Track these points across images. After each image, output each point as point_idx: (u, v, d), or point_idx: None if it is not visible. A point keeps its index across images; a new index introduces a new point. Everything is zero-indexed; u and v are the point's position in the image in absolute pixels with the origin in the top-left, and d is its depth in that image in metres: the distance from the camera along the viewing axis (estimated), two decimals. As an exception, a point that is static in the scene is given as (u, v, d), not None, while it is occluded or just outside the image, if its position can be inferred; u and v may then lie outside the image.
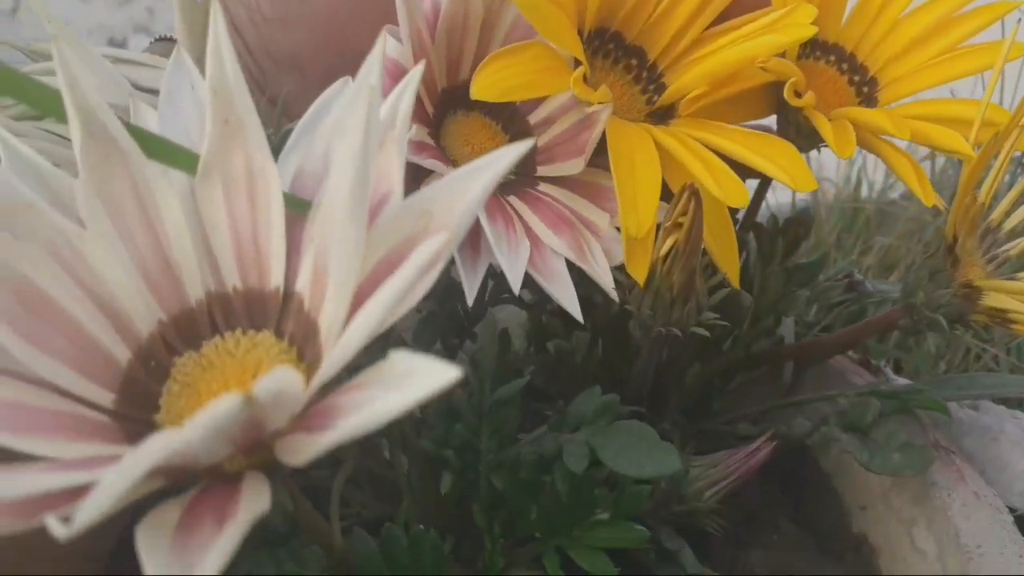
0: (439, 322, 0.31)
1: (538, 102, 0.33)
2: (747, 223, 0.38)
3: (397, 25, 0.28)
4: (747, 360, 0.37)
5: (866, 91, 0.36)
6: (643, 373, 0.34)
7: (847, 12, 0.36)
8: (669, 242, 0.28)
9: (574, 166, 0.32)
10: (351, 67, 0.32)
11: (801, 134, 0.34)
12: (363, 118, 0.17)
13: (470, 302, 0.28)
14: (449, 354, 0.31)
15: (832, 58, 0.36)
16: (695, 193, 0.27)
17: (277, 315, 0.20)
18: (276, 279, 0.19)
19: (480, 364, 0.29)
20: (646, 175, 0.28)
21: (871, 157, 0.67)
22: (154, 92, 0.27)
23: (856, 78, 0.36)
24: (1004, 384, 0.36)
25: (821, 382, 0.41)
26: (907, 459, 0.31)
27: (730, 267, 0.31)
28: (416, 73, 0.20)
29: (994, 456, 0.37)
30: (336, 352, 0.15)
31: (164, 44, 0.31)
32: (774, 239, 0.36)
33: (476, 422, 0.29)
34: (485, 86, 0.26)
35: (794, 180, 0.29)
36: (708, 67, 0.31)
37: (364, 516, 0.30)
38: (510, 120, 0.34)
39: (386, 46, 0.30)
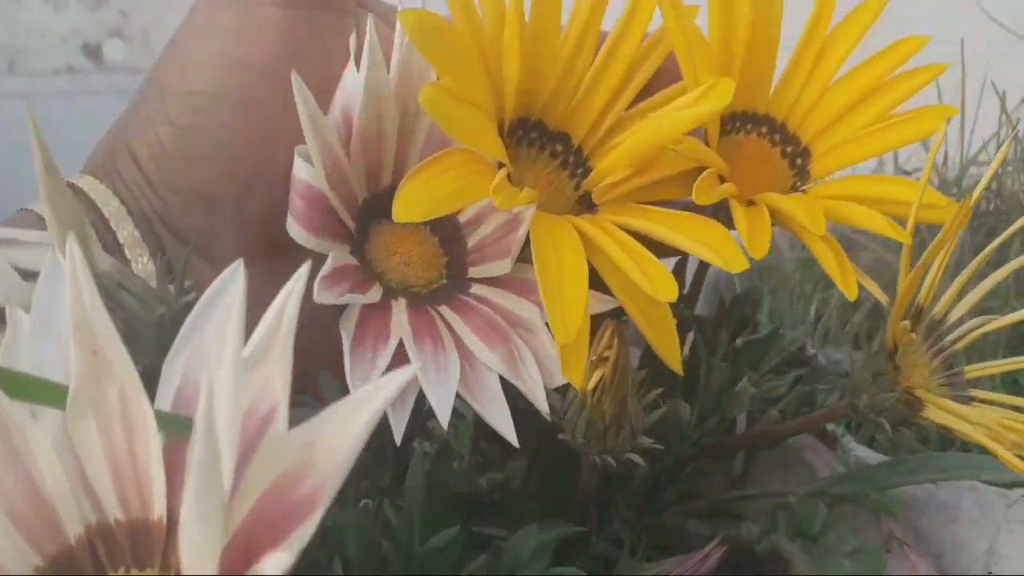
0: (364, 463, 0.30)
1: (466, 201, 0.32)
2: (691, 302, 0.37)
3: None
4: (695, 454, 0.36)
5: (799, 163, 0.35)
6: (586, 489, 0.33)
7: (776, 80, 0.35)
8: (596, 376, 0.27)
9: (503, 267, 0.31)
10: (263, 198, 0.30)
11: (723, 219, 0.33)
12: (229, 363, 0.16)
13: (398, 440, 0.27)
14: (380, 496, 0.30)
15: (764, 129, 0.35)
16: (617, 328, 0.26)
17: (163, 546, 0.18)
18: (159, 509, 0.19)
19: (408, 509, 0.27)
20: (573, 275, 0.27)
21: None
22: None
23: (789, 149, 0.35)
24: (958, 467, 0.35)
25: (775, 461, 0.40)
26: (858, 566, 0.30)
27: (671, 357, 0.30)
28: (303, 273, 0.19)
29: (952, 537, 0.36)
30: None
31: (26, 215, 0.29)
32: (718, 328, 0.35)
33: (407, 571, 0.27)
34: (407, 207, 0.25)
35: (725, 260, 0.28)
36: (626, 149, 0.30)
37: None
38: (438, 223, 0.33)
39: (297, 169, 0.28)
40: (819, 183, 0.34)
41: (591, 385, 0.27)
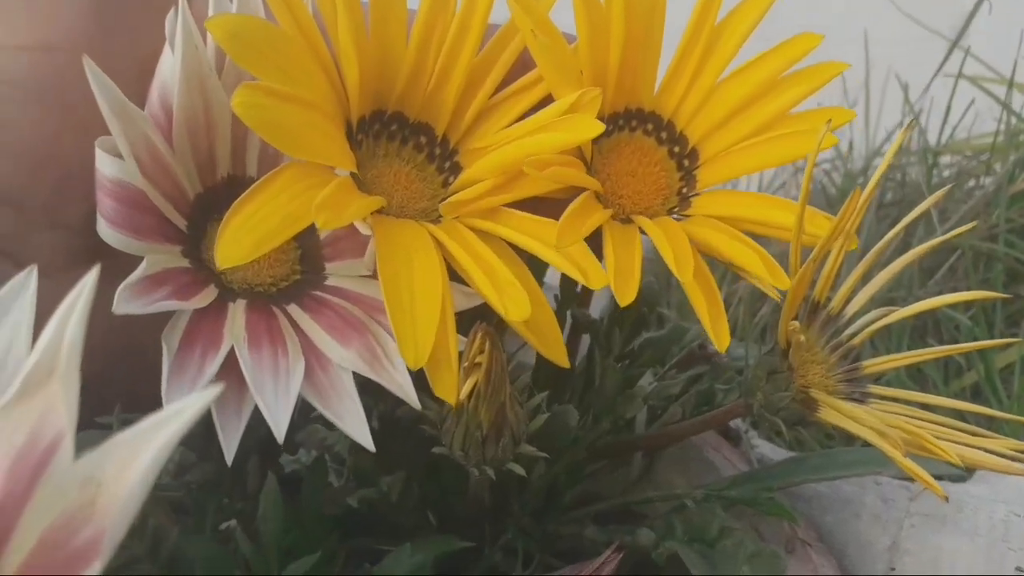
0: (223, 480, 0.27)
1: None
2: (585, 302, 0.35)
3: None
4: (593, 455, 0.34)
5: (687, 165, 0.32)
6: (477, 497, 0.31)
7: (661, 76, 0.33)
8: (470, 383, 0.25)
9: (359, 267, 0.28)
10: (71, 197, 0.27)
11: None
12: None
13: (228, 459, 0.24)
14: (227, 518, 0.27)
15: (649, 127, 0.33)
16: (488, 333, 0.24)
17: None
18: None
19: (263, 537, 0.25)
20: (424, 293, 0.24)
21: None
22: None
23: (676, 149, 0.32)
24: (862, 461, 0.34)
25: (677, 458, 0.38)
26: (756, 570, 0.29)
27: (555, 354, 0.27)
28: (88, 282, 0.16)
29: (855, 533, 0.35)
30: None
31: None
32: (610, 331, 0.33)
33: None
34: (228, 253, 0.22)
35: (585, 275, 0.26)
36: (488, 165, 0.28)
37: None
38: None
39: (101, 165, 0.25)
40: (704, 192, 0.32)
41: (464, 394, 0.25)
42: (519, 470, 0.27)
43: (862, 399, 0.29)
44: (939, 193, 0.29)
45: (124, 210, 0.24)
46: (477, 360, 0.24)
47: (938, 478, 0.38)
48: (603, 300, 0.37)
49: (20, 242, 0.26)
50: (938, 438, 0.25)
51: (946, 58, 0.51)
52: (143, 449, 0.14)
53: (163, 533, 0.24)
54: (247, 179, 0.28)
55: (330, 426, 0.35)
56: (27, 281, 0.17)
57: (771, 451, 0.39)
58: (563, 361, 0.27)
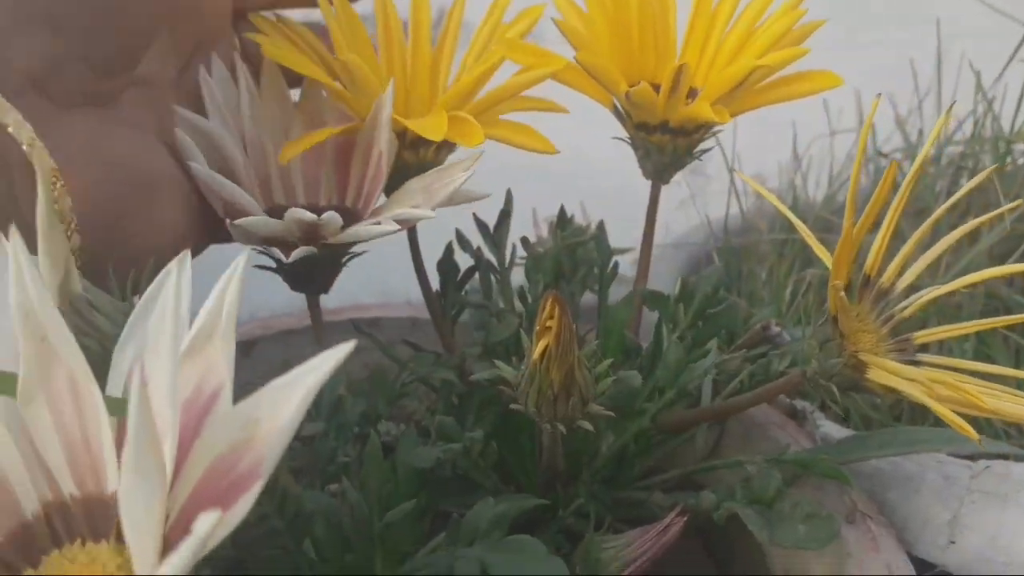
0: (327, 441, 0.31)
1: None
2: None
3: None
4: (659, 425, 0.36)
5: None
6: (551, 458, 0.33)
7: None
8: (541, 345, 0.28)
9: None
10: (108, 29, 0.27)
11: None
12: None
13: None
14: (338, 472, 0.31)
15: None
16: (558, 300, 0.27)
17: (116, 519, 0.19)
18: (112, 484, 0.19)
19: (367, 486, 0.28)
20: None
21: (814, 164, 0.67)
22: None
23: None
24: (926, 440, 0.35)
25: (744, 436, 0.40)
26: (811, 531, 0.31)
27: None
28: (242, 261, 0.20)
29: (917, 508, 0.36)
30: None
31: None
32: (676, 308, 0.36)
33: (368, 548, 0.28)
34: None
35: (532, 144, 0.34)
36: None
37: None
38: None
39: None
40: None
41: (536, 355, 0.28)
42: (587, 426, 0.29)
43: (914, 366, 0.30)
44: (984, 174, 0.31)
45: None
46: (548, 324, 0.27)
47: (1003, 457, 0.39)
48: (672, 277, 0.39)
49: (50, 71, 0.26)
50: (987, 396, 0.26)
51: (1020, 44, 0.51)
52: (292, 395, 0.17)
53: (288, 491, 0.28)
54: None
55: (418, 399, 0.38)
56: (182, 263, 0.21)
57: (836, 431, 0.41)
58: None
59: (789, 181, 0.63)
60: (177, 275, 0.20)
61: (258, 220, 0.30)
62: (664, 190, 0.39)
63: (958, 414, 0.27)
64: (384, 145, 0.34)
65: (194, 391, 0.19)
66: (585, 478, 0.36)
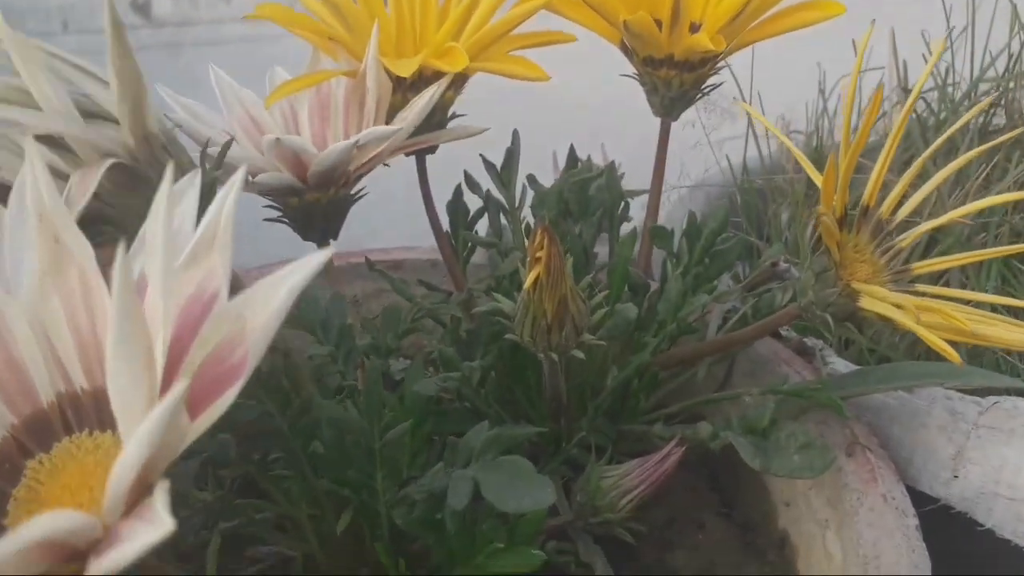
0: (335, 366, 0.32)
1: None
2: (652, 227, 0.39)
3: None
4: (664, 360, 0.37)
5: None
6: (554, 390, 0.34)
7: None
8: (532, 275, 0.28)
9: None
10: None
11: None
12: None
13: None
14: (343, 394, 0.32)
15: None
16: (547, 230, 0.27)
17: None
18: None
19: (368, 406, 0.29)
20: None
21: (841, 105, 0.65)
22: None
23: None
24: (927, 374, 0.35)
25: (751, 372, 0.40)
26: (806, 460, 0.31)
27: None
28: (239, 176, 0.21)
29: (922, 443, 0.37)
30: (112, 482, 0.16)
31: None
32: (681, 243, 0.36)
33: (369, 463, 0.29)
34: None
35: (527, 73, 0.35)
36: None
37: (281, 555, 0.32)
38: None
39: None
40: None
41: (528, 284, 0.28)
42: (580, 355, 0.30)
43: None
44: (980, 105, 0.30)
45: None
46: (538, 255, 0.28)
47: (1006, 393, 0.39)
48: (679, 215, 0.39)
49: None
50: (972, 322, 0.26)
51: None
52: (277, 292, 0.18)
53: (295, 392, 0.29)
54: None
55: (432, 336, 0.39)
56: (193, 180, 0.22)
57: (844, 368, 0.41)
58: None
59: (816, 123, 0.62)
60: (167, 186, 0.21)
61: (234, 153, 0.30)
62: (680, 131, 0.39)
63: (950, 343, 0.27)
64: (372, 84, 0.34)
65: (195, 292, 0.20)
66: (590, 412, 0.37)
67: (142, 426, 0.15)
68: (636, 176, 0.45)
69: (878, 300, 0.28)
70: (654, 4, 0.37)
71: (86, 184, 0.25)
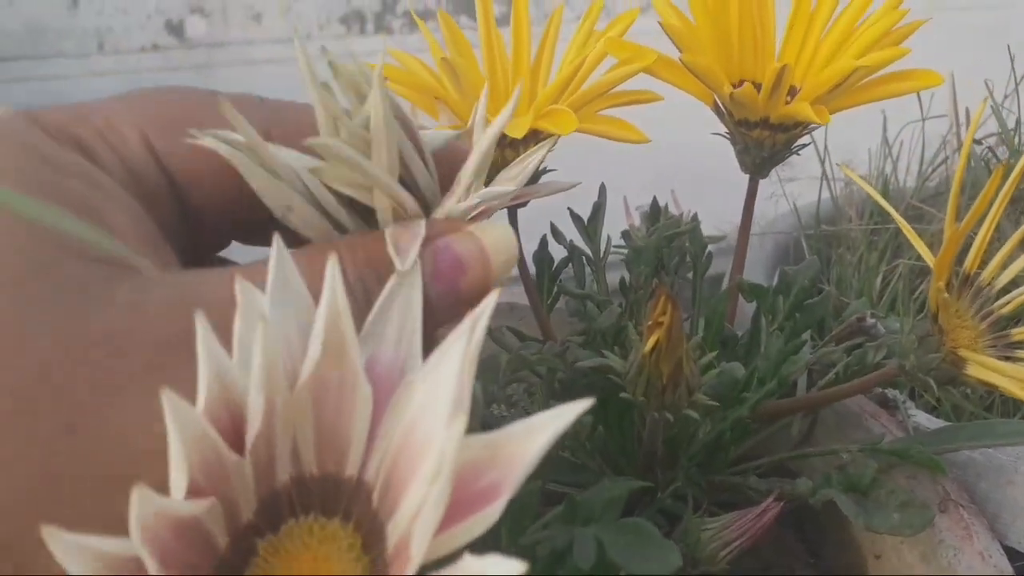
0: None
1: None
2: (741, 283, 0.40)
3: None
4: (756, 415, 0.38)
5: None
6: (652, 443, 0.35)
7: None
8: (652, 339, 0.29)
9: None
10: None
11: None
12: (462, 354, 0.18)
13: None
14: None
15: None
16: (670, 297, 0.28)
17: (348, 500, 0.21)
18: (351, 469, 0.21)
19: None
20: None
21: (904, 149, 0.66)
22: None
23: None
24: (1018, 432, 0.36)
25: (837, 425, 0.41)
26: (906, 519, 0.32)
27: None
28: (493, 297, 0.21)
29: (1010, 500, 0.37)
30: None
31: None
32: (775, 299, 0.37)
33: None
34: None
35: (627, 136, 0.37)
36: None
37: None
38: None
39: None
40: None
41: (648, 348, 0.30)
42: (694, 415, 0.31)
43: (1010, 362, 0.31)
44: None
45: None
46: (660, 320, 0.29)
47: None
48: (766, 268, 0.40)
49: None
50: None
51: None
52: (534, 442, 0.18)
53: None
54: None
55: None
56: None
57: (927, 420, 0.41)
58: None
59: (879, 168, 0.63)
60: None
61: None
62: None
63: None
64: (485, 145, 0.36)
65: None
66: (683, 462, 0.38)
67: (470, 563, 0.16)
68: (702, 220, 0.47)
69: (987, 369, 0.29)
70: (748, 68, 0.39)
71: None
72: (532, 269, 0.44)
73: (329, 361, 0.21)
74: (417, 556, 0.17)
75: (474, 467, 0.18)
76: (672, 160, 0.71)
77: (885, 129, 0.64)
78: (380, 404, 0.21)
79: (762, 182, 0.41)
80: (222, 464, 0.19)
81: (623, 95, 0.40)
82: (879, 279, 0.52)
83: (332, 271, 0.21)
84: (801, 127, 0.39)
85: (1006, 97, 0.62)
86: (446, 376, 0.19)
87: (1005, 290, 0.33)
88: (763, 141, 0.39)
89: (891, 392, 0.43)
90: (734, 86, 0.36)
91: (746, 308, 0.41)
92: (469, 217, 0.36)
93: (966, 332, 0.32)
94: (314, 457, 0.21)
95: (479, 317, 0.20)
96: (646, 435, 0.35)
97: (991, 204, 0.29)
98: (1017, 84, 0.61)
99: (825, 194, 0.63)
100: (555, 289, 0.44)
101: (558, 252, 0.45)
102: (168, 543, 0.17)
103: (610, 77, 0.38)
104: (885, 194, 0.61)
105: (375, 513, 0.20)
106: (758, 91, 0.36)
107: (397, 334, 0.22)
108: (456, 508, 0.17)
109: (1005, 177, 0.30)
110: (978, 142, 0.58)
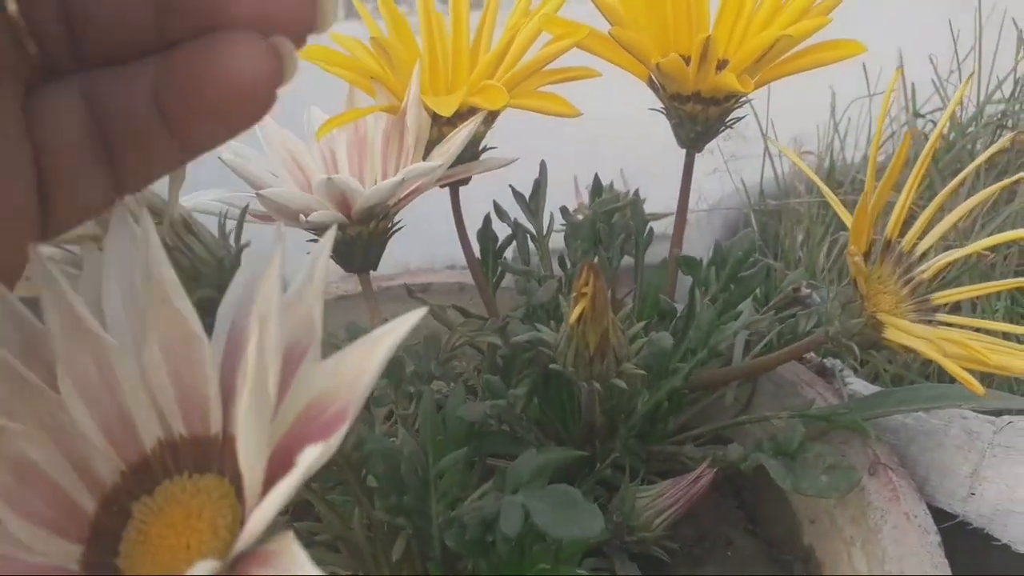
0: (388, 398, 0.34)
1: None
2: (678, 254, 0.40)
3: None
4: (693, 385, 0.39)
5: None
6: (589, 415, 0.36)
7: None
8: (578, 309, 0.30)
9: None
10: None
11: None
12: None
13: None
14: (392, 420, 0.34)
15: None
16: (593, 268, 0.29)
17: (219, 456, 0.21)
18: (215, 426, 0.21)
19: (423, 436, 0.31)
20: None
21: (852, 126, 0.67)
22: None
23: None
24: (945, 396, 0.37)
25: (774, 394, 0.42)
26: (833, 481, 0.33)
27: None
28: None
29: (939, 461, 0.38)
30: (249, 528, 0.17)
31: None
32: (708, 271, 0.38)
33: (423, 490, 0.31)
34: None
35: (560, 110, 0.37)
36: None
37: None
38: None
39: None
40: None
41: (573, 318, 0.30)
42: (622, 384, 0.32)
43: (930, 325, 0.32)
44: (1004, 140, 0.32)
45: None
46: (584, 290, 0.29)
47: (1019, 413, 0.40)
48: (708, 242, 0.41)
49: None
50: (991, 352, 0.28)
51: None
52: (375, 352, 0.19)
53: (349, 431, 0.31)
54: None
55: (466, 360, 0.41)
56: (276, 249, 0.23)
57: (863, 388, 0.42)
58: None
59: (827, 144, 0.64)
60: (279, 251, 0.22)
61: (285, 192, 0.32)
62: (698, 157, 0.41)
63: (968, 370, 0.29)
64: (413, 121, 0.36)
65: (290, 346, 0.21)
66: (621, 433, 0.38)
67: (282, 484, 0.16)
68: (647, 194, 0.47)
69: (903, 332, 0.29)
70: (683, 43, 0.39)
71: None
72: (476, 248, 0.45)
73: (163, 320, 0.21)
74: (254, 484, 0.18)
75: (323, 398, 0.19)
76: (628, 141, 0.72)
77: (833, 106, 0.65)
78: (234, 356, 0.21)
79: (708, 160, 0.42)
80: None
81: (560, 72, 0.40)
82: (823, 251, 0.53)
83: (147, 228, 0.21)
84: (734, 100, 0.39)
85: (951, 73, 0.63)
86: (277, 304, 0.19)
87: (929, 257, 0.33)
88: (696, 115, 0.39)
89: (829, 361, 0.44)
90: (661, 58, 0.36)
91: (686, 283, 0.42)
92: (401, 196, 0.37)
93: (887, 298, 0.32)
94: (181, 419, 0.22)
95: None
96: (583, 407, 0.35)
97: (902, 172, 0.30)
98: (960, 60, 0.62)
99: (772, 172, 0.64)
100: (498, 268, 0.45)
101: (503, 232, 0.46)
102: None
103: (544, 53, 0.38)
104: (831, 170, 0.61)
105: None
106: (687, 65, 0.37)
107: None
108: (311, 438, 0.18)
109: (920, 147, 0.30)
110: (922, 116, 0.59)
